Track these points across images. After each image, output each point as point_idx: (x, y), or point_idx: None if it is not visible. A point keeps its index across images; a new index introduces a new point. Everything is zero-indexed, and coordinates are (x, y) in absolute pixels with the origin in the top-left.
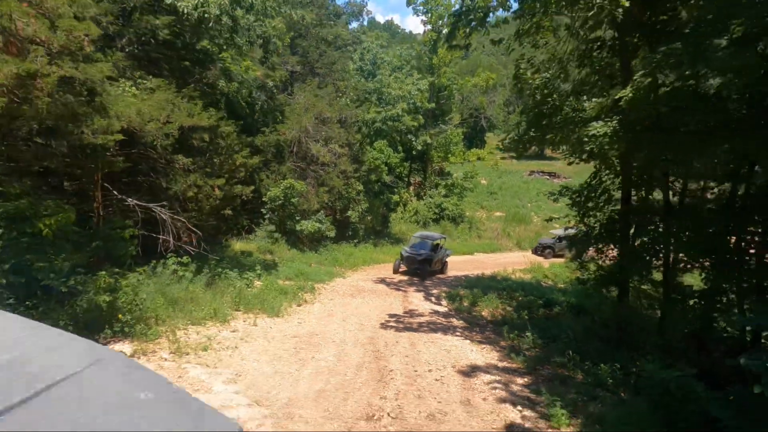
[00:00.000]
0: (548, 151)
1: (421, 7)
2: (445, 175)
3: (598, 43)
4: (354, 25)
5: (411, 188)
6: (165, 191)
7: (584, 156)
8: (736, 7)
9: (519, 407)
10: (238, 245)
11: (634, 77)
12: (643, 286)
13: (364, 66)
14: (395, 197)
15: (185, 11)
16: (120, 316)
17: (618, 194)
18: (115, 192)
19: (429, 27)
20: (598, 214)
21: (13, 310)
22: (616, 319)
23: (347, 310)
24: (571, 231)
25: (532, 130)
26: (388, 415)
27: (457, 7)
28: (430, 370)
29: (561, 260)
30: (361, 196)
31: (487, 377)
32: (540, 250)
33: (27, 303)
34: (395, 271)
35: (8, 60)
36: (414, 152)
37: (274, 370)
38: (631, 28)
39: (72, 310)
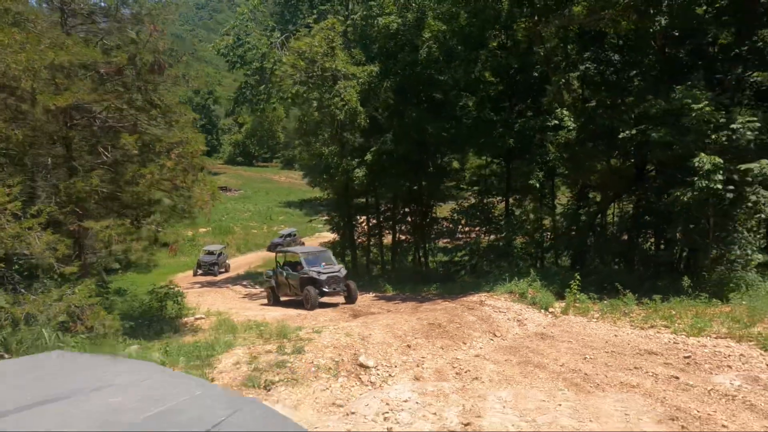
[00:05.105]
0: (212, 168)
1: None
2: None
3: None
4: None
5: None
6: None
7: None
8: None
9: (415, 302)
10: None
11: (372, 149)
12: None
13: None
14: None
15: None
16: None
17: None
18: None
19: None
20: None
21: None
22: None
23: (223, 298)
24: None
25: (324, 175)
26: (364, 312)
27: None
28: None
29: None
30: None
31: (387, 297)
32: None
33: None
34: (313, 307)
35: None
36: None
37: (283, 314)
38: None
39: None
